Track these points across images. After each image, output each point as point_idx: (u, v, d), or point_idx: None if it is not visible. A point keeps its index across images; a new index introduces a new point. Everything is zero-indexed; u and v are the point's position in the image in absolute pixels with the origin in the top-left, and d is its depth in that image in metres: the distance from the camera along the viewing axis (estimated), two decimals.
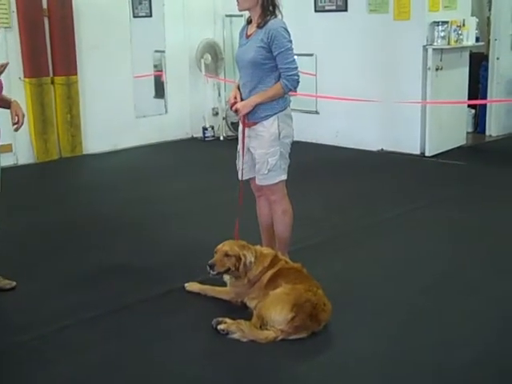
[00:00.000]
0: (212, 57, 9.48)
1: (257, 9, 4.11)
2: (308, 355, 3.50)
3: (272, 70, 4.12)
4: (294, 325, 3.55)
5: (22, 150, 7.93)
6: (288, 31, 4.10)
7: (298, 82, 4.15)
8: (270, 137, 4.16)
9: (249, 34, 4.21)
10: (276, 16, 4.12)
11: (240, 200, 4.28)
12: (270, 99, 4.13)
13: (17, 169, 7.77)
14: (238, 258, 3.91)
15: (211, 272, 3.92)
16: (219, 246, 4.00)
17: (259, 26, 4.10)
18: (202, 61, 9.37)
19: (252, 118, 4.20)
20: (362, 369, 3.36)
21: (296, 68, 4.12)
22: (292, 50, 4.09)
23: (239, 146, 4.36)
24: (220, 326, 3.63)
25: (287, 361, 3.44)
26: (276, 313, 3.58)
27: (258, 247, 4.10)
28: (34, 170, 7.95)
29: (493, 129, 9.32)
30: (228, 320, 3.67)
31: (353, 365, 3.39)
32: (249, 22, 4.28)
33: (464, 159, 7.96)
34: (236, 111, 4.23)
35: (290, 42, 4.09)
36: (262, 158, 4.19)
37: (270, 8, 4.10)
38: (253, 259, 3.94)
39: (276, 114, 4.15)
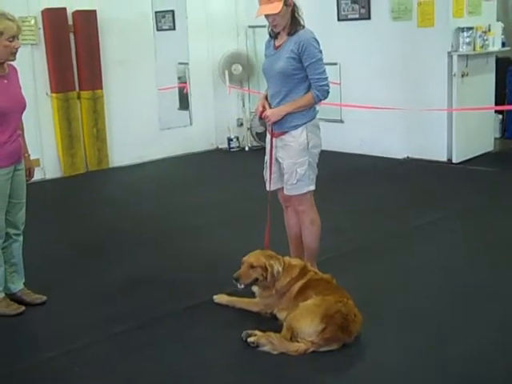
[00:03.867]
0: (243, 67, 9.49)
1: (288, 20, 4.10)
2: (339, 367, 3.45)
3: (302, 80, 4.10)
4: (325, 336, 3.51)
5: (50, 165, 8.01)
6: (318, 42, 4.09)
7: (329, 93, 4.14)
8: (298, 147, 4.14)
9: (277, 45, 4.20)
10: (304, 26, 4.11)
11: (269, 211, 4.26)
12: (300, 109, 4.12)
13: (44, 183, 7.84)
14: (265, 269, 3.89)
15: (238, 285, 3.92)
16: (245, 258, 3.98)
17: (290, 34, 4.09)
18: (226, 72, 9.39)
19: (280, 127, 4.19)
20: (394, 382, 3.30)
21: (327, 78, 4.11)
22: (322, 60, 4.08)
23: (267, 157, 4.34)
24: (250, 339, 3.60)
25: (318, 373, 3.40)
26: (306, 324, 3.55)
27: (286, 258, 4.08)
28: (61, 184, 8.01)
29: None
30: (258, 332, 3.64)
31: (384, 378, 3.34)
32: (272, 36, 4.27)
33: (492, 165, 7.86)
34: (265, 119, 4.22)
35: (321, 52, 4.08)
36: (291, 168, 4.17)
37: (296, 15, 4.09)
38: (280, 269, 3.92)
39: (305, 123, 4.14)
